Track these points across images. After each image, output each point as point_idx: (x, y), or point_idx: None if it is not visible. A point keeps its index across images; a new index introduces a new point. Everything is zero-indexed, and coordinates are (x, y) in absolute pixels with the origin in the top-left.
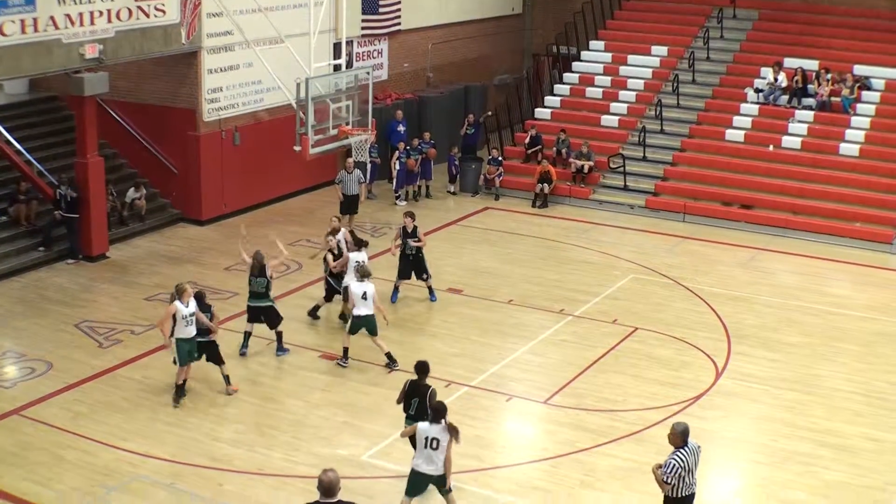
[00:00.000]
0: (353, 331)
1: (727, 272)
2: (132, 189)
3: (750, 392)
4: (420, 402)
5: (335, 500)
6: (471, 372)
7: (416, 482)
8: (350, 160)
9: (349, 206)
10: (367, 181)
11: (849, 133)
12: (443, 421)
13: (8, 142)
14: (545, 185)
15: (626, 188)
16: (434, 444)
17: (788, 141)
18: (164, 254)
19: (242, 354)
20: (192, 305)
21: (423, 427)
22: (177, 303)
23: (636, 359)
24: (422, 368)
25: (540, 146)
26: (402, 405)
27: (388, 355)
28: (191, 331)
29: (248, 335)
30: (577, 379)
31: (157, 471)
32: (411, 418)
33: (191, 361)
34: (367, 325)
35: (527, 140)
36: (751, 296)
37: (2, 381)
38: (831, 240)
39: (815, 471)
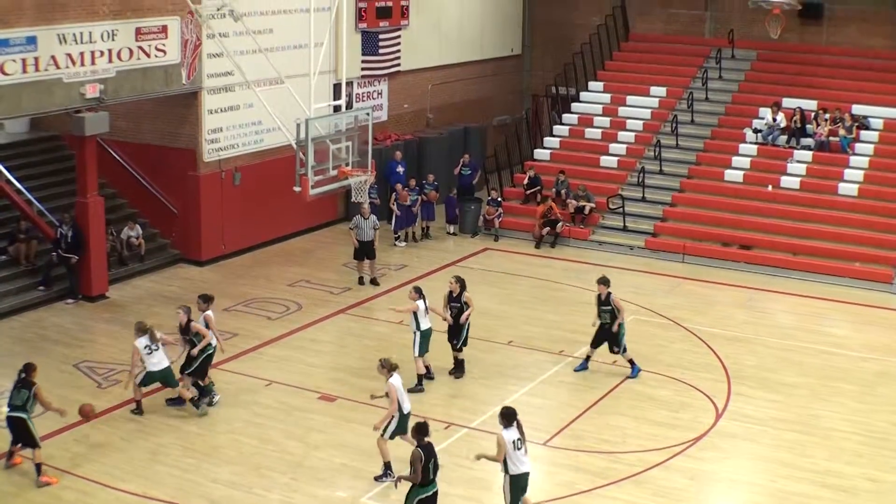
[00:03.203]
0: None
1: (726, 312)
2: (126, 227)
3: (749, 433)
4: (434, 461)
5: None
6: (470, 413)
7: (525, 484)
8: (365, 206)
9: (364, 252)
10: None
11: (847, 173)
12: (515, 421)
13: (8, 181)
14: (550, 226)
15: (625, 229)
16: (519, 444)
17: (787, 181)
18: (163, 294)
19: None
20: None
21: (508, 435)
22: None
23: (636, 400)
24: (421, 430)
25: (539, 187)
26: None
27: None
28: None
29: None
30: (576, 420)
31: None
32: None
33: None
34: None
35: (525, 181)
36: (750, 336)
37: (0, 421)
38: (830, 280)
39: None
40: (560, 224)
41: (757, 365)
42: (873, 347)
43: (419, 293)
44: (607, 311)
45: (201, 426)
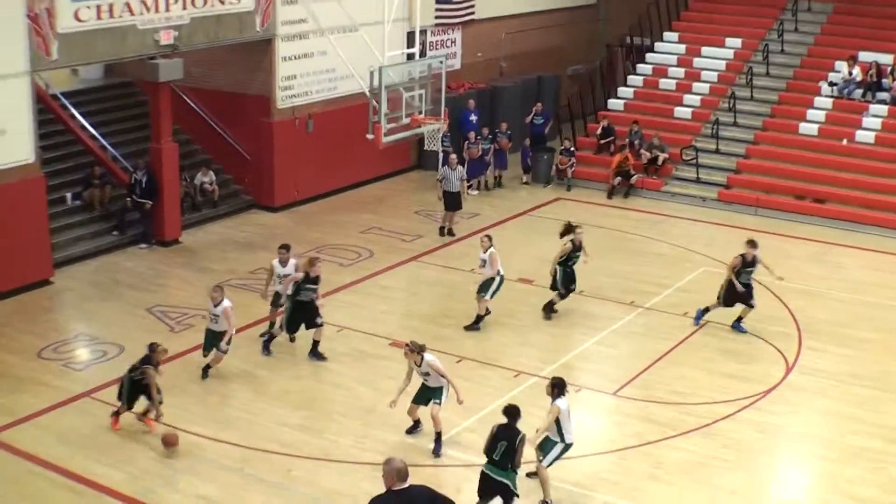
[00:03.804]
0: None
1: (799, 266)
2: (200, 173)
3: (820, 387)
4: (508, 446)
5: (406, 485)
6: (540, 362)
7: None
8: (453, 156)
9: (451, 203)
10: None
11: None
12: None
13: (83, 127)
14: (623, 176)
15: (698, 180)
16: (569, 414)
17: (862, 135)
18: (236, 240)
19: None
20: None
21: (563, 403)
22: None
23: (706, 352)
24: (511, 412)
25: (612, 137)
26: (486, 450)
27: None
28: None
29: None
30: (646, 371)
31: (226, 454)
32: (493, 464)
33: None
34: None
35: (599, 131)
36: (822, 290)
37: (74, 364)
38: None
39: (886, 468)
40: (634, 175)
41: (829, 319)
42: None
43: (490, 240)
44: (751, 272)
45: (273, 371)
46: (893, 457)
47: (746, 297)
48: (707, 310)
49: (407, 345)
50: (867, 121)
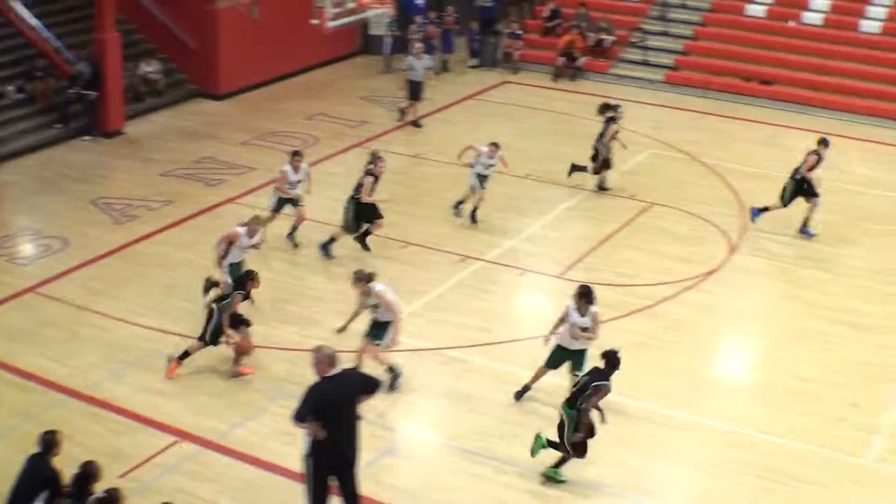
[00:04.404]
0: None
1: (748, 149)
2: (143, 63)
3: (764, 269)
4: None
5: (338, 370)
6: (486, 246)
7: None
8: (419, 45)
9: (414, 92)
10: (389, 54)
11: (870, 10)
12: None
13: (24, 18)
14: (568, 58)
15: (645, 63)
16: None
17: (809, 17)
18: (180, 129)
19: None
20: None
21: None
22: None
23: (651, 234)
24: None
25: (560, 20)
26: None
27: None
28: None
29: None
30: (591, 253)
31: (173, 346)
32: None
33: None
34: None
35: (546, 13)
36: (770, 173)
37: (18, 259)
38: (853, 117)
39: (830, 348)
40: (580, 58)
41: (774, 201)
42: None
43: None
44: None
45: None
46: (837, 338)
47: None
48: (766, 209)
49: (354, 274)
50: (814, 2)
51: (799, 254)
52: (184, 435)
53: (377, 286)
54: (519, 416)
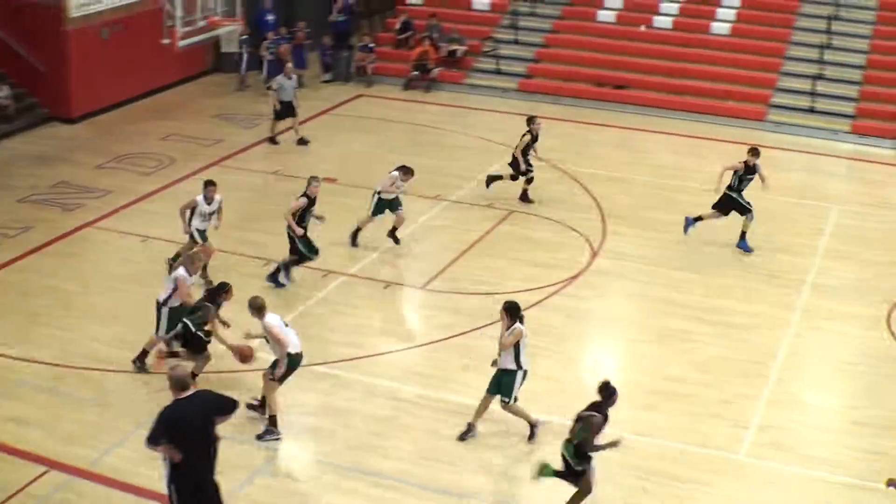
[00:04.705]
0: None
1: (602, 152)
2: None
3: (625, 271)
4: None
5: (192, 391)
6: (347, 260)
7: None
8: (289, 65)
9: (286, 111)
10: (243, 72)
11: (720, 12)
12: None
13: None
14: (420, 69)
15: (498, 72)
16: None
17: (660, 21)
18: (34, 154)
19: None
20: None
21: (522, 328)
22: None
23: (513, 242)
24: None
25: (411, 32)
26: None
27: None
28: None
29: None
30: (454, 263)
31: (39, 375)
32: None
33: None
34: None
35: (398, 26)
36: (626, 176)
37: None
38: (705, 118)
39: (697, 347)
40: (433, 69)
41: (632, 204)
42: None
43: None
44: (750, 179)
45: (79, 285)
46: (703, 336)
47: (742, 207)
48: (699, 218)
49: (249, 301)
50: (664, 6)
51: (659, 255)
52: (53, 464)
53: (268, 319)
54: (391, 430)
